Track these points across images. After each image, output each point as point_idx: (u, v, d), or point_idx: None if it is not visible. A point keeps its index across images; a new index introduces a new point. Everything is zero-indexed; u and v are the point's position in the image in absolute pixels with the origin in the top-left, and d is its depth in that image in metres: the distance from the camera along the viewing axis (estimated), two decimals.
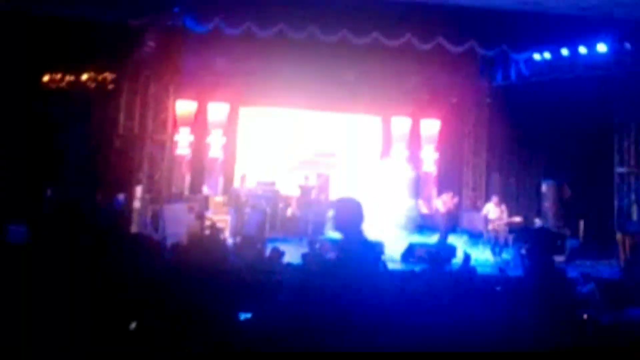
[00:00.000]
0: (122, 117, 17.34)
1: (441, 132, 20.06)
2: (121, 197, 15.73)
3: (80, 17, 14.63)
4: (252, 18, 15.33)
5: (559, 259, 16.04)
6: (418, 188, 18.87)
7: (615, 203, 16.93)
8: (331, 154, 19.49)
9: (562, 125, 17.48)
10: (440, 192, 19.06)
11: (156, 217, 15.65)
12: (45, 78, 16.72)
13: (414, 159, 19.77)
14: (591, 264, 15.50)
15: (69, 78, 17.10)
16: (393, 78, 18.61)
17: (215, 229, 13.07)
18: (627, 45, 16.23)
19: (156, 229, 15.18)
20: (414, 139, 20.08)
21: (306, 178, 17.55)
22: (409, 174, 18.74)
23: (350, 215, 4.84)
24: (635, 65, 16.29)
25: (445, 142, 20.03)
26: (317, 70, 17.76)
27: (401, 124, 20.02)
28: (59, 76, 17.04)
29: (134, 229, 15.56)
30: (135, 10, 14.91)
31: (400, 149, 19.88)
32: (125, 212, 15.87)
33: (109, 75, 17.22)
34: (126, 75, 17.15)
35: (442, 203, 16.87)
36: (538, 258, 13.59)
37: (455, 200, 16.91)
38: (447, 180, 19.46)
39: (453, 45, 15.92)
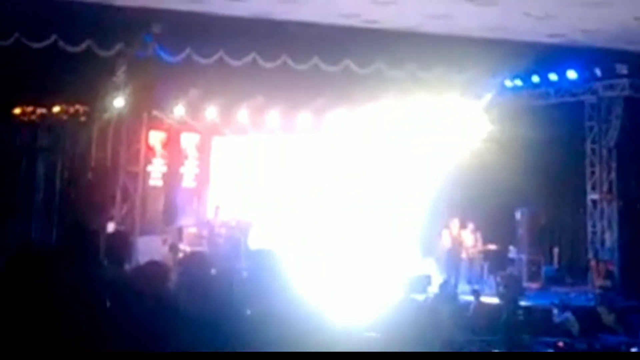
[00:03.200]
0: (94, 149, 17.18)
1: None
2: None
3: (50, 47, 14.47)
4: (224, 47, 15.34)
5: (535, 285, 16.05)
6: None
7: (589, 229, 16.96)
8: None
9: (535, 152, 17.47)
10: None
11: (129, 250, 15.39)
12: (16, 111, 16.49)
13: None
14: (566, 291, 15.47)
15: (40, 110, 16.90)
16: None
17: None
18: (597, 72, 16.37)
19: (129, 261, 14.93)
20: None
21: None
22: None
23: None
24: (605, 91, 16.44)
25: None
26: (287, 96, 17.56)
27: None
28: (29, 109, 16.85)
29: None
30: (106, 40, 14.81)
31: None
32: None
33: (80, 107, 17.03)
34: (98, 107, 16.98)
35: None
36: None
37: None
38: None
39: None
